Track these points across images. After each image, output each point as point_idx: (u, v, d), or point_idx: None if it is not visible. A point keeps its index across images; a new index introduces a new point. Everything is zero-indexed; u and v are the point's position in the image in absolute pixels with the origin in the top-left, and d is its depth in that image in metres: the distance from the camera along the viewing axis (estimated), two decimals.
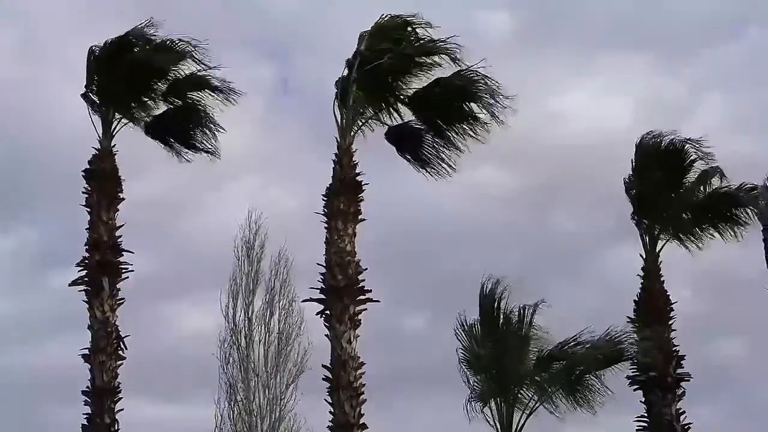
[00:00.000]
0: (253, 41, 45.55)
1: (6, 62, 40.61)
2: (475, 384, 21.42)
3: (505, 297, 21.69)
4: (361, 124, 21.83)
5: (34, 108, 40.17)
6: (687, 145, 23.43)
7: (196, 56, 22.26)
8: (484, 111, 21.65)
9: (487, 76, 21.36)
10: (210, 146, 23.16)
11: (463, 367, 21.62)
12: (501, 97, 21.32)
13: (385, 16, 21.54)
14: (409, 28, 21.64)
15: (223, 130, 22.96)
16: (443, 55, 21.46)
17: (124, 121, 22.59)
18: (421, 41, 21.66)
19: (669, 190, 23.18)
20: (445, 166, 22.40)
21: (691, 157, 23.57)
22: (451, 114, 22.01)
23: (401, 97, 22.02)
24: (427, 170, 22.50)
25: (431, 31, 21.49)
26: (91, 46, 22.38)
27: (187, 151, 23.33)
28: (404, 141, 22.45)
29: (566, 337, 21.26)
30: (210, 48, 22.16)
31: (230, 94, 22.52)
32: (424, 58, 21.66)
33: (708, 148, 23.36)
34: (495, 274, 21.75)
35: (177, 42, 22.32)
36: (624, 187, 23.29)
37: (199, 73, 22.58)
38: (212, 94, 22.67)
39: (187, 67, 22.58)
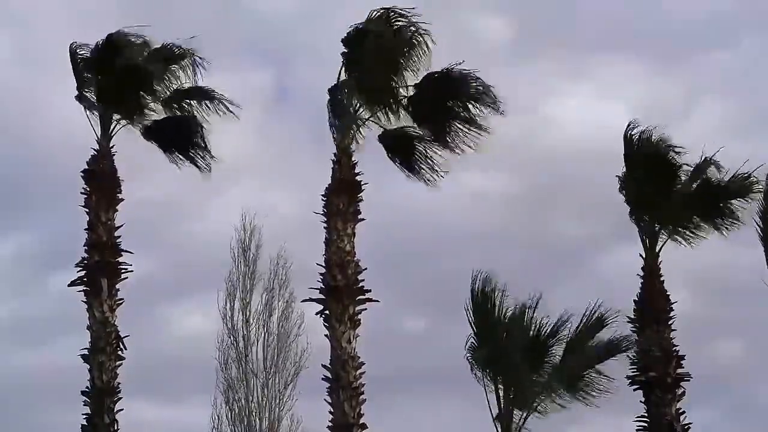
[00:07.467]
0: (251, 45, 45.61)
1: (5, 64, 40.70)
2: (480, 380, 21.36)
3: (498, 294, 21.57)
4: (360, 124, 21.82)
5: (34, 110, 40.25)
6: (671, 152, 23.14)
7: (190, 64, 22.31)
8: (477, 107, 21.60)
9: (477, 77, 21.36)
10: (204, 163, 23.00)
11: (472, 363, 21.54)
12: (492, 94, 21.33)
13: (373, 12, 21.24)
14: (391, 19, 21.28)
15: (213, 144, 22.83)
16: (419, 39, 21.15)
17: (123, 122, 22.45)
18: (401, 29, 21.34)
19: (663, 185, 23.04)
20: (433, 173, 22.21)
21: (678, 163, 23.35)
22: (444, 113, 21.86)
23: (396, 96, 21.84)
24: (415, 176, 22.29)
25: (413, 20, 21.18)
26: (72, 44, 22.18)
27: (183, 160, 23.16)
28: (396, 146, 22.24)
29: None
30: (207, 53, 22.20)
31: (228, 106, 22.53)
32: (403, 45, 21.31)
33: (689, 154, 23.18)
34: (486, 271, 21.70)
35: (172, 46, 22.30)
36: (618, 185, 23.18)
37: (197, 85, 22.53)
38: (209, 105, 22.58)
39: (183, 74, 22.54)
